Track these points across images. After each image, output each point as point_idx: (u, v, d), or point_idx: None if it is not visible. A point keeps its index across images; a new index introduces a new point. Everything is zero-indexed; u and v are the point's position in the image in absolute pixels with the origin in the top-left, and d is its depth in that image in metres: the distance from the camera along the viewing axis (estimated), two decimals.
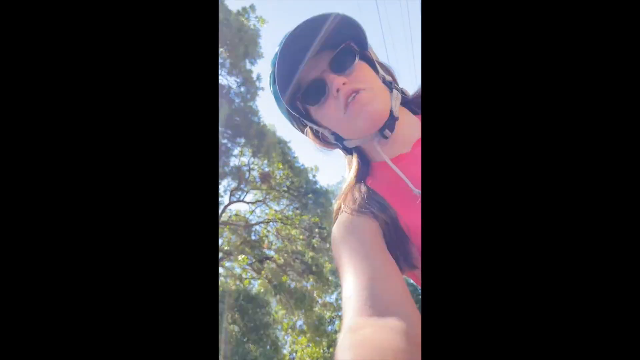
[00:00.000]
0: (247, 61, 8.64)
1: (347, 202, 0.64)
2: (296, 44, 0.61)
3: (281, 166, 9.28)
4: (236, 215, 9.91)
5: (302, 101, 0.66)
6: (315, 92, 0.64)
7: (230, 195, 9.17)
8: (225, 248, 9.07)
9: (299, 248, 9.35)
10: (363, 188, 0.65)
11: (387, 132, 0.64)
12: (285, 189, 9.38)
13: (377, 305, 0.41)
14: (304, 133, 0.74)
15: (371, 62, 0.66)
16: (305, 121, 0.69)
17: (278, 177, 9.46)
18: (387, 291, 0.43)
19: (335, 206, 0.68)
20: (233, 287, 9.46)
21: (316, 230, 9.15)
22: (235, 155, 9.11)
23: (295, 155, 9.68)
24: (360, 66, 0.64)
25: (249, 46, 8.40)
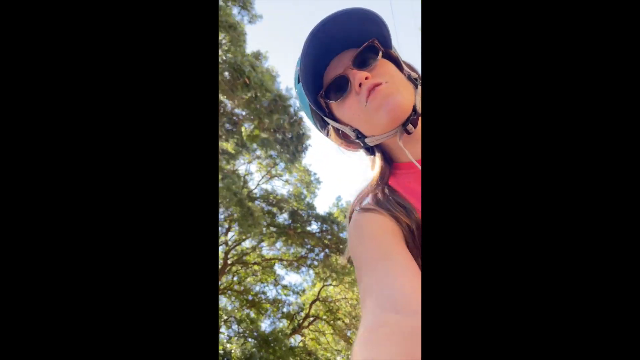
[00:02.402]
0: None
1: (367, 201, 0.64)
2: (320, 41, 0.61)
3: None
4: None
5: (324, 97, 0.66)
6: (338, 88, 0.64)
7: None
8: None
9: None
10: (386, 189, 0.64)
11: (410, 127, 0.62)
12: None
13: (397, 304, 0.40)
14: (327, 135, 0.75)
15: (395, 61, 0.66)
16: (327, 119, 0.69)
17: None
18: (408, 289, 0.43)
19: (354, 201, 0.67)
20: None
21: None
22: None
23: None
24: (383, 62, 0.64)
25: None
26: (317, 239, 9.01)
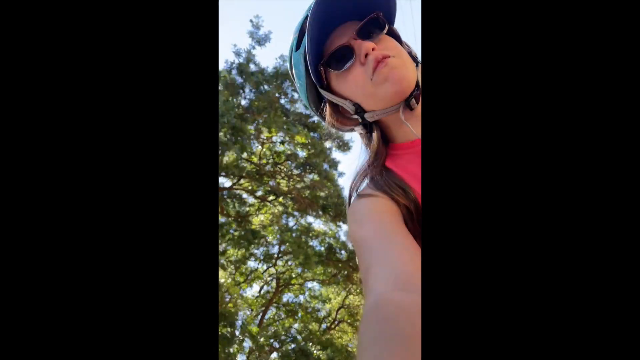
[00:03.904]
0: None
1: (364, 185, 0.63)
2: (325, 9, 0.59)
3: None
4: None
5: (326, 66, 0.62)
6: (341, 58, 0.61)
7: None
8: None
9: None
10: (383, 169, 0.62)
11: (413, 102, 0.61)
12: None
13: (400, 281, 0.40)
14: (316, 111, 0.71)
15: (397, 37, 0.65)
16: (324, 93, 0.66)
17: None
18: (411, 267, 0.42)
19: (351, 184, 0.65)
20: None
21: None
22: None
23: None
24: (386, 38, 0.63)
25: None
26: (344, 262, 11.68)
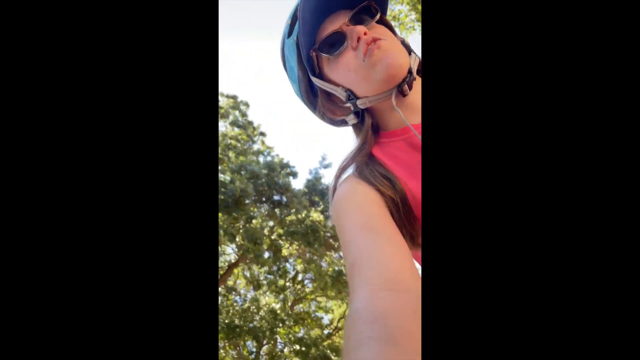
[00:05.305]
0: None
1: (349, 173, 0.62)
2: None
3: None
4: None
5: (318, 51, 0.62)
6: (334, 43, 0.61)
7: None
8: None
9: None
10: (369, 160, 0.62)
11: (405, 88, 0.61)
12: None
13: (387, 280, 0.39)
14: (312, 104, 0.71)
15: (389, 27, 0.65)
16: (316, 81, 0.66)
17: None
18: (397, 264, 0.41)
19: (337, 172, 0.64)
20: None
21: None
22: None
23: None
24: (378, 26, 0.64)
25: None
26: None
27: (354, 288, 0.41)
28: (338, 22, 0.62)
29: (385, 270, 0.41)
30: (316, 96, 0.70)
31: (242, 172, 8.44)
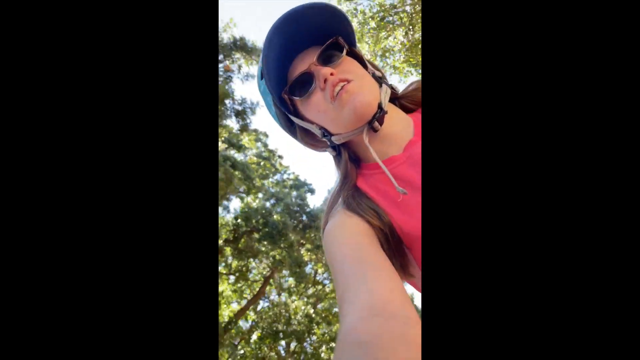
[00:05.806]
0: None
1: (338, 204, 0.63)
2: (284, 36, 0.60)
3: None
4: None
5: (289, 93, 0.64)
6: (303, 84, 0.62)
7: None
8: None
9: None
10: (355, 192, 0.63)
11: (376, 124, 0.61)
12: None
13: (376, 307, 0.39)
14: (291, 133, 0.72)
15: (359, 59, 0.66)
16: (292, 118, 0.67)
17: None
18: (387, 292, 0.41)
19: (325, 210, 0.65)
20: None
21: None
22: None
23: None
24: (347, 60, 0.64)
25: None
26: None
27: (343, 314, 0.42)
28: (308, 60, 0.63)
29: (373, 297, 0.41)
30: (296, 130, 0.72)
31: (273, 201, 9.77)
